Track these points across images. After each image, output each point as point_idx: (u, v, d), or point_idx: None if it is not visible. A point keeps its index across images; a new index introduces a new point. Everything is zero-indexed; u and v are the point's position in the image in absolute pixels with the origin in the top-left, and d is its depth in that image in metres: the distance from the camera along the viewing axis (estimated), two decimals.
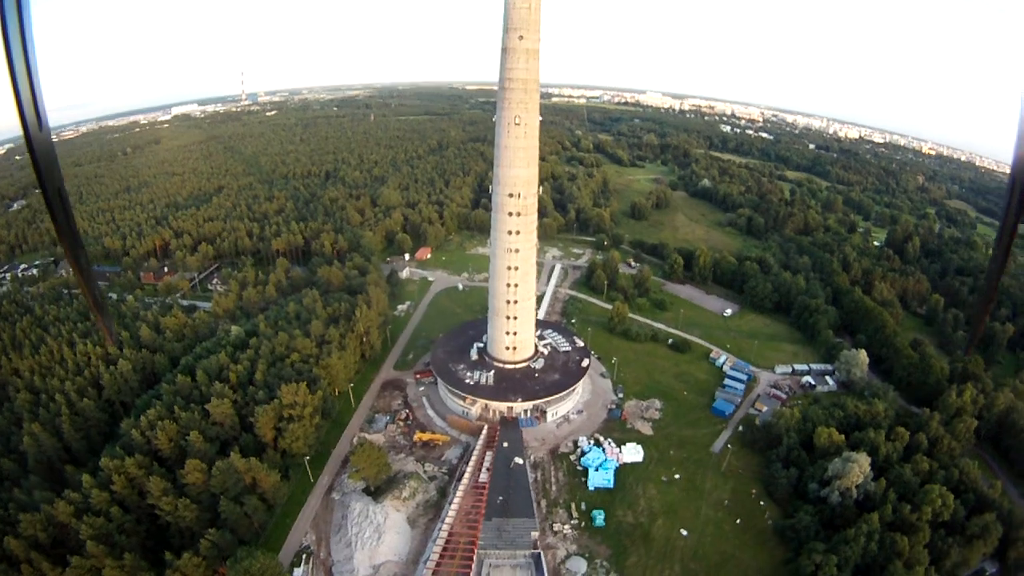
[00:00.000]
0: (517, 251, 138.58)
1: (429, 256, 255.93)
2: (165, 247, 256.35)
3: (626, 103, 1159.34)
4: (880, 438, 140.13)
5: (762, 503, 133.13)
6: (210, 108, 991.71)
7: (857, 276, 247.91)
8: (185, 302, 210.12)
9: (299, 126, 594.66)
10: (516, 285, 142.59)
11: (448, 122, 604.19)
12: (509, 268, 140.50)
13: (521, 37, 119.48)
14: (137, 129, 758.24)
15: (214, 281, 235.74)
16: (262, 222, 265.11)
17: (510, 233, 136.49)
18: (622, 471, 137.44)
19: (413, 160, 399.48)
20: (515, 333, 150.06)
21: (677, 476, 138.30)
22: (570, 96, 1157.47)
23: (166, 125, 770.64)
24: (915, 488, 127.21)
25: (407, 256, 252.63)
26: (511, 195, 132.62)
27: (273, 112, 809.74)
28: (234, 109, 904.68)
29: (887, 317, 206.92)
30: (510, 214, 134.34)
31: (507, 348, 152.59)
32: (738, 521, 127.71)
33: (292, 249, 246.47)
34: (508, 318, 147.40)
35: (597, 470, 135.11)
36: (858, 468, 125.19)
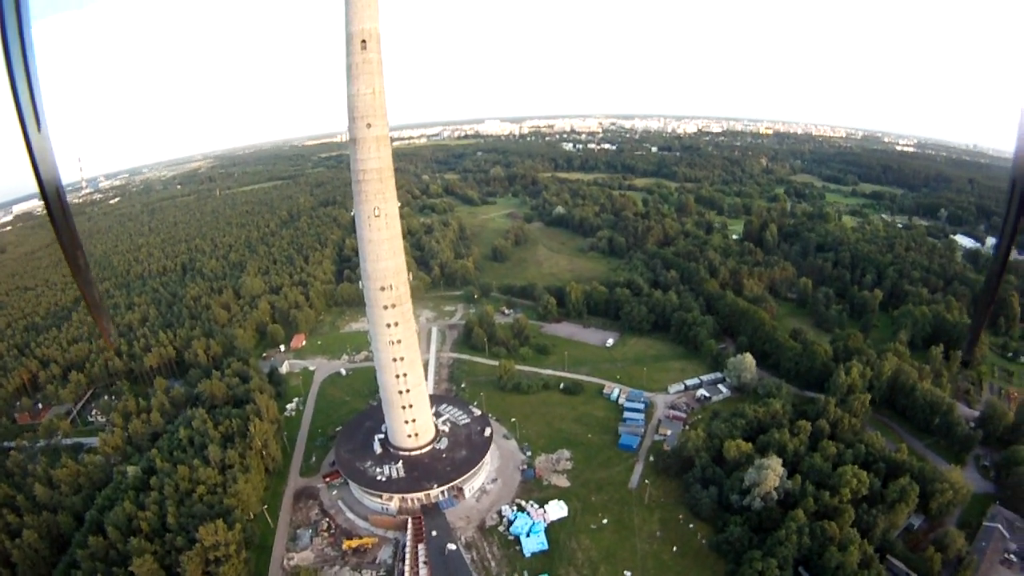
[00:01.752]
0: (399, 341, 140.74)
1: (304, 343, 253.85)
2: (34, 379, 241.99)
3: (466, 136, 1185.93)
4: (785, 436, 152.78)
5: (691, 525, 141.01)
6: None
7: (726, 279, 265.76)
8: (69, 441, 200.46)
9: (145, 213, 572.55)
10: (405, 374, 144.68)
11: (295, 187, 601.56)
12: (395, 360, 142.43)
13: (369, 125, 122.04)
14: None
15: (93, 412, 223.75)
16: (128, 336, 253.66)
17: (389, 326, 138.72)
18: (552, 530, 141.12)
19: (267, 237, 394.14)
20: (414, 420, 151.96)
21: (605, 521, 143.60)
22: (411, 138, 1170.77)
23: (8, 228, 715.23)
24: (828, 473, 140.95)
25: (282, 348, 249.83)
26: (383, 288, 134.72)
27: (117, 199, 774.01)
28: (76, 200, 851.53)
29: (762, 314, 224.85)
30: (385, 307, 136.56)
31: (408, 436, 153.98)
32: (674, 548, 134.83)
33: (165, 362, 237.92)
34: (404, 407, 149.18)
35: (528, 536, 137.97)
36: (772, 472, 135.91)
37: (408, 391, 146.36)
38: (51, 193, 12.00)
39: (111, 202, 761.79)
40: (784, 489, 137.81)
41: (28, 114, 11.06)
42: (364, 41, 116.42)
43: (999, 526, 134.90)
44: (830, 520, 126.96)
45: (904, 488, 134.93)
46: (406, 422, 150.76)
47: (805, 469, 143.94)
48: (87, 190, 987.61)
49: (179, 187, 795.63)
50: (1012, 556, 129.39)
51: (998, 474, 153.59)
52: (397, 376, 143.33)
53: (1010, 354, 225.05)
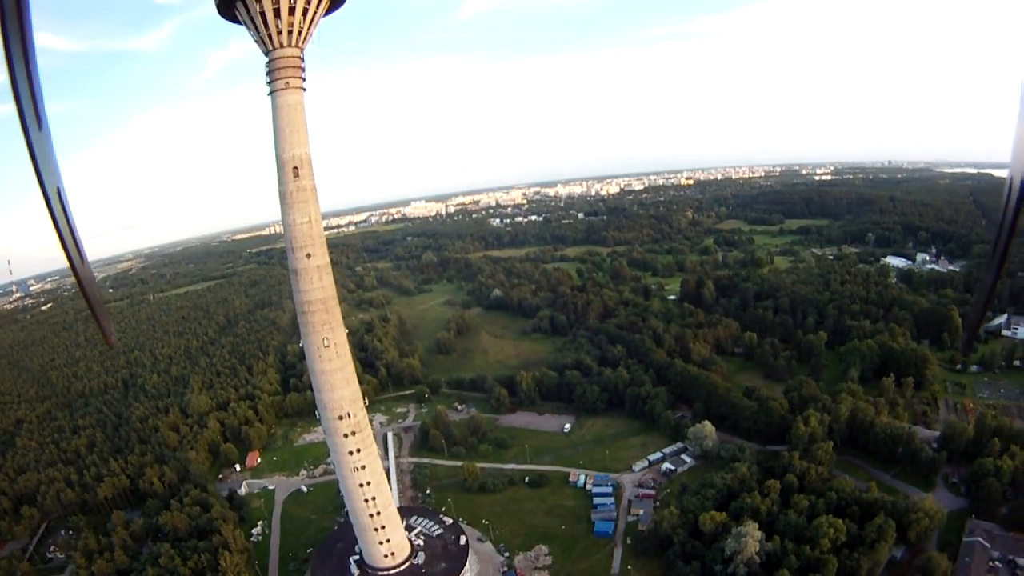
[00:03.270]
0: (364, 467, 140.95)
1: (260, 460, 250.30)
2: None
3: (394, 220, 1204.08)
4: (756, 499, 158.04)
5: None
6: None
7: (672, 346, 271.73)
8: None
9: (79, 322, 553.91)
10: (374, 498, 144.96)
11: (229, 287, 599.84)
12: (361, 485, 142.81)
13: (309, 255, 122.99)
14: None
15: (51, 548, 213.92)
16: (78, 464, 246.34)
17: (351, 453, 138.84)
18: None
19: (207, 346, 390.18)
20: (388, 540, 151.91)
21: None
22: (339, 226, 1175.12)
23: None
24: (804, 527, 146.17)
25: (238, 467, 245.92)
26: (340, 418, 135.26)
27: (49, 305, 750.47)
28: (7, 307, 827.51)
29: (714, 378, 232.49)
30: (346, 435, 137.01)
31: (385, 556, 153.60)
32: None
33: (120, 492, 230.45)
34: (376, 529, 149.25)
35: None
36: (751, 539, 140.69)
37: (379, 513, 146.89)
38: (51, 192, 12.25)
39: (43, 308, 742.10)
40: (765, 551, 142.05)
41: (29, 113, 11.46)
42: (296, 168, 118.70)
43: (979, 539, 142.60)
44: (815, 573, 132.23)
45: (880, 527, 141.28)
46: (380, 543, 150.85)
47: (781, 527, 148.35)
48: (18, 295, 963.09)
49: (111, 291, 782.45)
50: (996, 563, 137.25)
51: (968, 489, 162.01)
52: (366, 500, 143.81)
53: (959, 366, 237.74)
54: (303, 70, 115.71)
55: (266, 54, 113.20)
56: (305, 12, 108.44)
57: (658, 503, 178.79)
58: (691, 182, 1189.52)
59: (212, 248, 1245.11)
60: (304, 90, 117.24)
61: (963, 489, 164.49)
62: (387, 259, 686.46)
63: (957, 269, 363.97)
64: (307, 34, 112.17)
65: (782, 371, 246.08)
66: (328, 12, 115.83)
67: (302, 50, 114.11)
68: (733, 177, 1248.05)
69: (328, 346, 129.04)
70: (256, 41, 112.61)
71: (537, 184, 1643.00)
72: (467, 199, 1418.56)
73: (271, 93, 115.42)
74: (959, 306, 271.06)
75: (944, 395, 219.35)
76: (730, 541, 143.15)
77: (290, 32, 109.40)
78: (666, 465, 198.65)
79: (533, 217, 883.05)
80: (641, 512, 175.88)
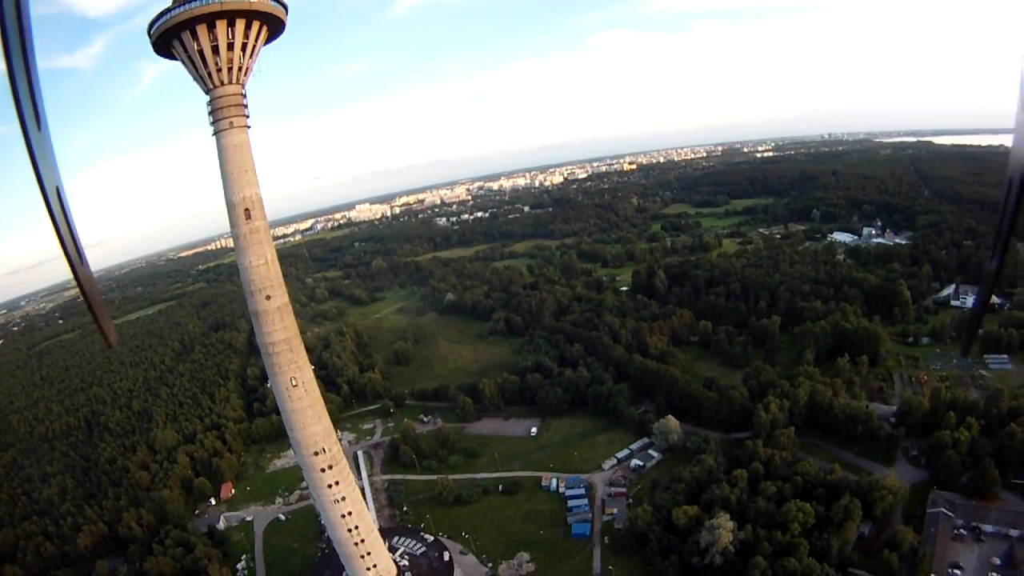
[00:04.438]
0: (344, 499, 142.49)
1: (233, 491, 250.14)
2: None
3: (340, 225, 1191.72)
4: (725, 489, 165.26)
5: None
6: None
7: (628, 340, 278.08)
8: None
9: (33, 359, 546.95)
10: (356, 527, 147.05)
11: (180, 310, 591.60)
12: (343, 516, 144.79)
13: (269, 297, 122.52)
14: None
15: None
16: (52, 514, 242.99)
17: (330, 486, 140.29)
18: None
19: (166, 375, 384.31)
20: (375, 565, 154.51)
21: None
22: (285, 236, 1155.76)
23: None
24: (774, 513, 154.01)
25: (213, 500, 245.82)
26: (316, 453, 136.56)
27: (0, 342, 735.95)
28: None
29: (673, 372, 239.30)
30: (322, 470, 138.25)
31: None
32: None
33: (99, 539, 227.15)
34: (362, 556, 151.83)
35: None
36: (723, 531, 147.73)
37: (363, 540, 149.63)
38: (51, 193, 12.46)
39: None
40: (739, 540, 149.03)
41: (28, 113, 11.65)
42: (248, 210, 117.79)
43: (942, 509, 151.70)
44: (788, 556, 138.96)
45: (847, 506, 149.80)
46: (367, 569, 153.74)
47: (752, 515, 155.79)
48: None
49: (61, 322, 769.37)
50: (961, 531, 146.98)
51: (928, 461, 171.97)
52: (349, 530, 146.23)
53: (910, 339, 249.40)
54: (246, 107, 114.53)
55: (207, 92, 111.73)
56: (244, 47, 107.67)
57: (631, 500, 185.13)
58: (634, 167, 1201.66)
59: (159, 268, 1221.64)
60: (248, 127, 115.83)
61: (923, 461, 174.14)
62: (336, 267, 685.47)
63: (903, 242, 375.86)
64: (247, 69, 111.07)
65: (739, 357, 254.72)
66: (268, 42, 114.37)
67: (243, 86, 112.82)
68: (675, 159, 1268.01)
69: (296, 385, 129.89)
70: (195, 80, 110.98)
71: (480, 178, 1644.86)
72: (411, 198, 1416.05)
73: (215, 133, 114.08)
74: (907, 279, 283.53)
75: (898, 369, 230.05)
76: (704, 534, 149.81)
77: (230, 69, 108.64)
78: (635, 461, 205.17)
79: (479, 214, 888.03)
80: (615, 511, 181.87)
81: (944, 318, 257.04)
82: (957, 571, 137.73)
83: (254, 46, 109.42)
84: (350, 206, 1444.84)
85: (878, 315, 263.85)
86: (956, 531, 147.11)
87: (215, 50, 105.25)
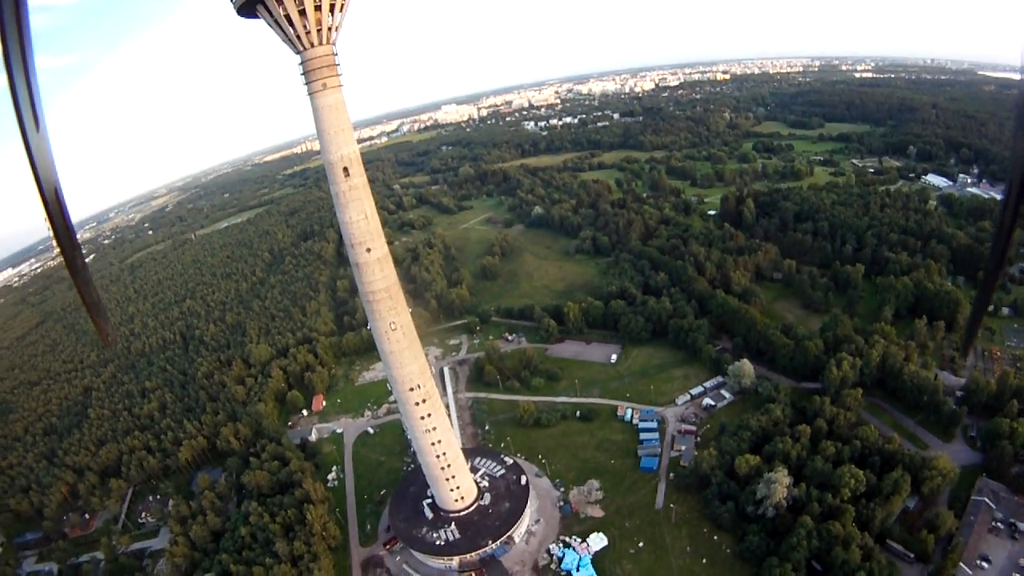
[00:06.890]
0: (435, 428, 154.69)
1: (324, 404, 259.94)
2: (73, 491, 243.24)
3: (426, 128, 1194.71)
4: (788, 444, 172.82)
5: (716, 537, 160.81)
6: (26, 268, 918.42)
7: (714, 275, 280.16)
8: (130, 549, 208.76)
9: (126, 272, 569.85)
10: (444, 453, 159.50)
11: (269, 218, 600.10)
12: (433, 444, 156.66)
13: (369, 249, 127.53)
14: None
15: (142, 514, 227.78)
16: (154, 429, 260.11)
17: (423, 418, 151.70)
18: (597, 560, 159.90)
19: (257, 287, 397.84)
20: (458, 487, 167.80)
21: (641, 544, 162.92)
22: (370, 138, 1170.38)
23: None
24: (829, 474, 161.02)
25: (305, 412, 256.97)
26: (411, 389, 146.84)
27: (92, 256, 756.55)
28: (52, 263, 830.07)
29: (753, 313, 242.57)
30: (417, 404, 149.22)
31: (456, 500, 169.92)
32: (704, 561, 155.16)
33: (199, 453, 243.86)
34: (448, 479, 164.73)
35: (579, 570, 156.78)
36: (780, 485, 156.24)
37: (449, 465, 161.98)
38: (49, 193, 12.54)
39: (87, 260, 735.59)
40: (792, 496, 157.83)
41: (27, 114, 11.73)
42: (346, 168, 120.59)
43: (986, 499, 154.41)
44: (834, 520, 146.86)
45: (897, 480, 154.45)
46: (451, 490, 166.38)
47: (808, 473, 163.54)
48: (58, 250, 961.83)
49: (151, 233, 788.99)
50: (999, 524, 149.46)
51: (984, 445, 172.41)
52: (438, 456, 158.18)
53: (991, 308, 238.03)
54: (338, 66, 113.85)
55: (297, 54, 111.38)
56: (332, 7, 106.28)
57: (699, 439, 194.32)
58: (727, 77, 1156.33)
59: (245, 173, 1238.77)
60: (341, 86, 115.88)
61: (979, 444, 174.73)
62: (424, 172, 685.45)
63: (999, 197, 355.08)
64: (337, 27, 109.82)
65: (819, 302, 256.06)
66: None
67: (334, 44, 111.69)
68: (770, 72, 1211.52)
69: (395, 329, 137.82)
70: (284, 42, 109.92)
71: (569, 79, 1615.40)
72: (499, 99, 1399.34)
73: (309, 95, 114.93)
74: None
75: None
76: (761, 487, 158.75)
77: (319, 30, 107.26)
78: (707, 400, 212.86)
79: (568, 119, 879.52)
80: (683, 448, 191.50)
81: None
82: (986, 563, 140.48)
83: (342, 4, 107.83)
84: (436, 107, 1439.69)
85: (962, 276, 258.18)
86: (994, 523, 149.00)
87: (302, 13, 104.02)
